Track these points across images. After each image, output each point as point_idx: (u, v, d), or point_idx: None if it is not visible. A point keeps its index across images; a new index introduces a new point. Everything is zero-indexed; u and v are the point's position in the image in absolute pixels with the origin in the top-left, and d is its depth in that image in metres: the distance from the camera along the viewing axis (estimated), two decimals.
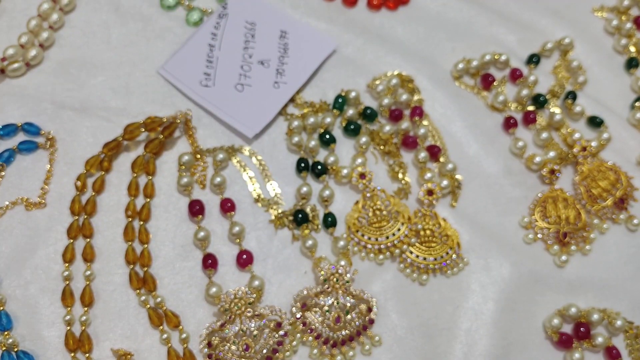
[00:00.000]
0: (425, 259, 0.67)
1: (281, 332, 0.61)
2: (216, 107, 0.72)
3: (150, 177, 0.67)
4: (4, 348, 0.59)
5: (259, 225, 0.68)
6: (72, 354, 0.59)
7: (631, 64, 0.83)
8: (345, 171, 0.70)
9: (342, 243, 0.67)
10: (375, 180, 0.71)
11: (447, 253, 0.68)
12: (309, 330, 0.62)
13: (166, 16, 0.78)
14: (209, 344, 0.60)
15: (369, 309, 0.63)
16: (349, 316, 0.63)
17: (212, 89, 0.72)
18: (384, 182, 0.72)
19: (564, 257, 0.70)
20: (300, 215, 0.67)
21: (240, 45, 0.75)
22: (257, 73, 0.74)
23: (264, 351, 0.60)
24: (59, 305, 0.61)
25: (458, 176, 0.72)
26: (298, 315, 0.62)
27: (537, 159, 0.73)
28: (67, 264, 0.62)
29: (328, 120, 0.73)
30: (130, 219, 0.65)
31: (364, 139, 0.72)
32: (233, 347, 0.60)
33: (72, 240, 0.63)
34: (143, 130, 0.68)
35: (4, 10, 0.76)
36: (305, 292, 0.63)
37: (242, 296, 0.61)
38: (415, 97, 0.76)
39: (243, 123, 0.71)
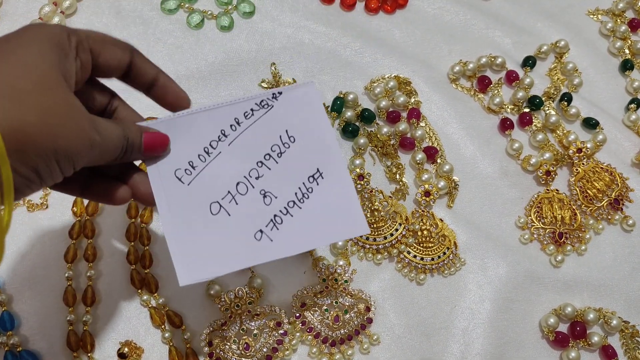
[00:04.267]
0: (422, 259, 0.68)
1: (281, 331, 0.62)
2: (169, 217, 0.50)
3: None
4: (7, 348, 0.59)
5: None
6: (75, 354, 0.60)
7: (626, 66, 0.84)
8: None
9: (340, 243, 0.67)
10: (373, 181, 0.72)
11: (444, 253, 0.68)
12: (308, 330, 0.63)
13: (167, 20, 0.78)
14: (210, 343, 0.61)
15: (367, 308, 0.64)
16: (347, 315, 0.63)
17: (182, 188, 0.51)
18: (381, 183, 0.73)
19: (559, 257, 0.70)
20: None
21: (257, 154, 0.53)
22: (250, 204, 0.52)
23: (264, 350, 0.61)
24: (61, 305, 0.62)
25: (455, 177, 0.73)
26: (297, 315, 0.63)
27: (533, 160, 0.74)
28: (69, 265, 0.63)
29: None
30: (132, 220, 0.66)
31: (362, 141, 0.73)
32: (234, 346, 0.60)
33: (74, 241, 0.64)
34: None
35: (5, 14, 0.76)
36: (304, 292, 0.64)
37: (242, 296, 0.61)
38: (413, 99, 0.77)
39: (184, 259, 0.50)
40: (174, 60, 0.76)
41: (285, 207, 0.53)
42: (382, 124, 0.75)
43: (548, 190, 0.74)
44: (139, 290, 0.63)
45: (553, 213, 0.72)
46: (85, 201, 0.66)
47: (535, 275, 0.70)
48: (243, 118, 0.53)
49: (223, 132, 0.53)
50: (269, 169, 0.53)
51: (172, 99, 0.51)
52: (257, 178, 0.53)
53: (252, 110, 0.54)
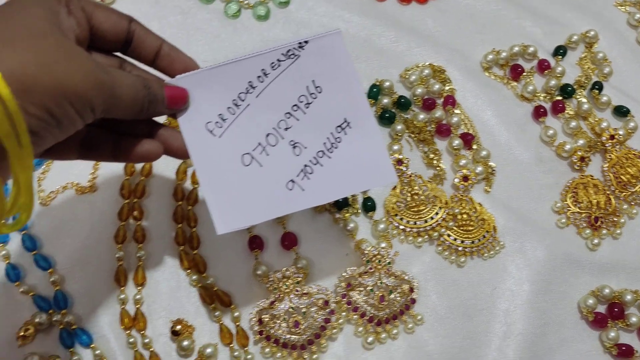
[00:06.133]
0: (462, 242, 0.69)
1: (328, 310, 0.63)
2: (204, 169, 0.53)
3: None
4: (61, 326, 0.60)
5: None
6: (128, 332, 0.61)
7: None
8: None
9: (382, 226, 0.68)
10: (410, 167, 0.73)
11: (484, 236, 0.70)
12: (353, 309, 0.64)
13: (204, 9, 0.79)
14: (260, 321, 0.62)
15: (411, 289, 0.65)
16: (392, 295, 0.64)
17: (214, 140, 0.53)
18: (419, 168, 0.74)
19: (596, 241, 0.71)
20: (340, 200, 0.69)
21: (285, 106, 0.54)
22: (280, 155, 0.54)
23: (312, 328, 0.62)
24: (111, 285, 0.63)
25: (491, 163, 0.74)
26: (343, 294, 0.64)
27: (567, 147, 0.75)
28: (119, 245, 0.64)
29: None
30: (179, 203, 0.66)
31: (399, 127, 0.74)
32: (283, 324, 0.61)
33: (123, 223, 0.65)
34: None
35: None
36: (349, 273, 0.65)
37: (289, 275, 0.62)
38: (447, 87, 0.78)
39: (220, 209, 0.53)
40: (212, 49, 0.77)
41: (314, 157, 0.54)
42: (417, 111, 0.76)
43: (583, 175, 0.75)
44: (188, 271, 0.64)
45: (588, 198, 0.74)
46: (133, 183, 0.67)
47: (572, 258, 0.71)
48: (270, 69, 0.53)
49: (251, 83, 0.53)
50: (297, 119, 0.54)
51: (180, 67, 0.52)
52: (286, 129, 0.54)
53: (278, 60, 0.53)
